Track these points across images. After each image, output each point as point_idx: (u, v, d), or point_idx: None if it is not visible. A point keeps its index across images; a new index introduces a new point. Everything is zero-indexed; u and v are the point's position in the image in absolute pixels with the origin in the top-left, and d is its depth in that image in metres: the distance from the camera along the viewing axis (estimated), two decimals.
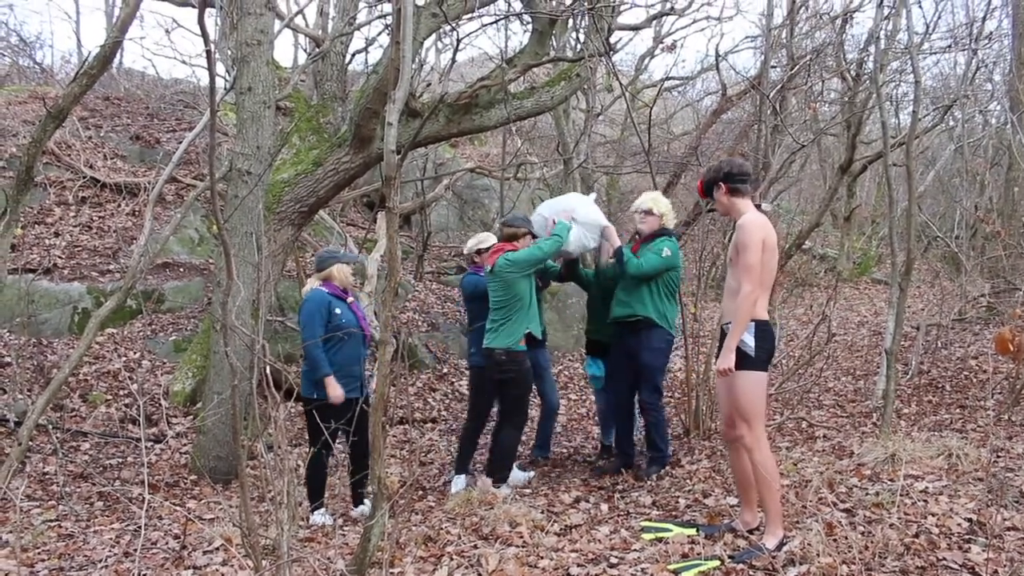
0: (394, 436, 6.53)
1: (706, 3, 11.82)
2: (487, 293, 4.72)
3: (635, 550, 3.33)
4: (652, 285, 4.67)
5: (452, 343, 8.72)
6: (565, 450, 5.84)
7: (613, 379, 5.04)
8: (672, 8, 8.64)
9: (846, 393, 6.92)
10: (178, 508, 4.55)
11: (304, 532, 4.11)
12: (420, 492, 4.97)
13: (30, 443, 4.98)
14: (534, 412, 5.59)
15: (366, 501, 4.58)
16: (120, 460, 5.63)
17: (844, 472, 4.04)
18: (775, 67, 10.82)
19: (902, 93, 12.64)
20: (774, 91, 9.79)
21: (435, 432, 6.77)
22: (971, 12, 12.13)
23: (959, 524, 3.21)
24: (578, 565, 3.19)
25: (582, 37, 7.36)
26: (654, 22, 10.16)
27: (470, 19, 6.39)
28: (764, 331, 3.28)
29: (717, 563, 3.08)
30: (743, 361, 3.23)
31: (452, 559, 3.35)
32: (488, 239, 5.20)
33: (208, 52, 2.53)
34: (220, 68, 7.32)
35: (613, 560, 3.22)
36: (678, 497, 4.13)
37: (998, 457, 4.20)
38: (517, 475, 4.85)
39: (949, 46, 10.34)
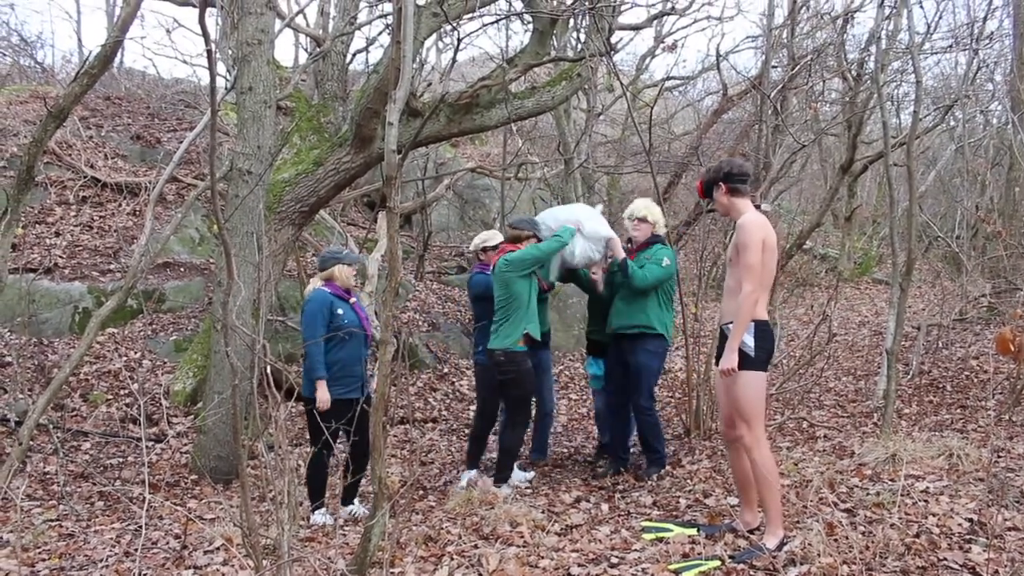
0: (395, 436, 6.52)
1: (707, 3, 11.80)
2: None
3: (636, 550, 3.33)
4: (651, 294, 4.69)
5: (453, 343, 8.72)
6: (565, 450, 5.84)
7: (609, 382, 5.05)
8: (673, 8, 8.64)
9: (847, 393, 6.92)
10: (179, 508, 4.55)
11: (305, 532, 4.11)
12: (421, 492, 4.97)
13: (31, 443, 4.99)
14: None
15: (355, 502, 4.59)
16: (121, 460, 5.63)
17: (845, 472, 4.05)
18: (776, 67, 10.82)
19: (903, 93, 12.68)
20: (775, 91, 9.79)
21: (436, 432, 6.77)
22: (972, 12, 12.12)
23: (960, 524, 3.21)
24: (579, 565, 3.19)
25: (583, 37, 7.35)
26: (655, 22, 10.14)
27: (471, 19, 6.39)
28: (764, 331, 3.29)
29: (718, 563, 3.08)
30: (743, 361, 3.24)
31: (452, 559, 3.35)
32: (494, 237, 5.20)
33: (209, 52, 2.54)
34: (221, 68, 7.34)
35: (614, 560, 3.22)
36: (679, 497, 4.13)
37: (999, 457, 4.20)
38: (518, 475, 4.85)
39: (950, 46, 10.33)
